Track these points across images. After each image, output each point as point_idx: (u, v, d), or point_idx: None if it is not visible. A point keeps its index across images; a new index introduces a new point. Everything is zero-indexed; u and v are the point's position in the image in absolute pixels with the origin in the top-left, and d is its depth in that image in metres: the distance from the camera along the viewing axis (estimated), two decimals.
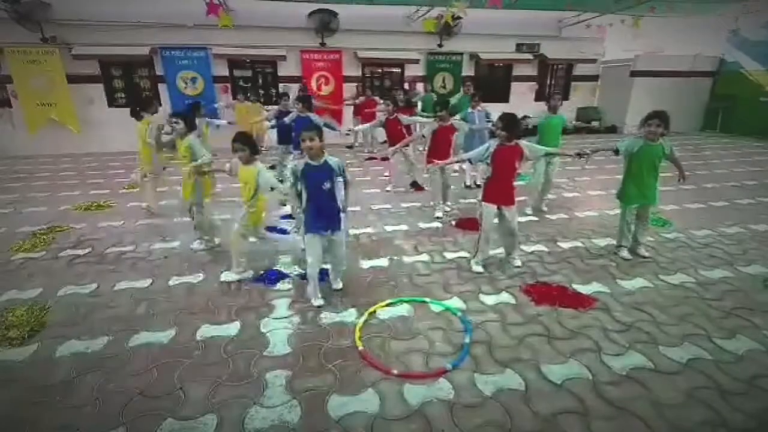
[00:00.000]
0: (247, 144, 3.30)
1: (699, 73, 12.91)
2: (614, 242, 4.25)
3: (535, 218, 5.12)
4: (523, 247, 4.24)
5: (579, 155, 3.83)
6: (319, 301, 3.20)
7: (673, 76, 12.66)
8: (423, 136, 5.45)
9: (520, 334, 2.79)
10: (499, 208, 3.64)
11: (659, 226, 4.82)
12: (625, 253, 4.03)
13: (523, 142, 3.56)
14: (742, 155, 9.37)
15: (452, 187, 5.47)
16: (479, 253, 3.73)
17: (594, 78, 13.32)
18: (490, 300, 3.23)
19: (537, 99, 12.65)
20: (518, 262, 3.80)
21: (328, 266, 3.46)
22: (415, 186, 6.43)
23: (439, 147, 4.87)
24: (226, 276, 3.61)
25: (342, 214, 3.18)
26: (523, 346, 2.67)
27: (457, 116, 5.60)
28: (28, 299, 3.29)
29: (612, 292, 3.36)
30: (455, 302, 3.20)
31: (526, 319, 2.98)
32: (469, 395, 2.25)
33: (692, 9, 10.23)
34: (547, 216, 5.21)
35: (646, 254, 4.01)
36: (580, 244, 4.31)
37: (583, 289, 3.40)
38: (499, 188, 3.59)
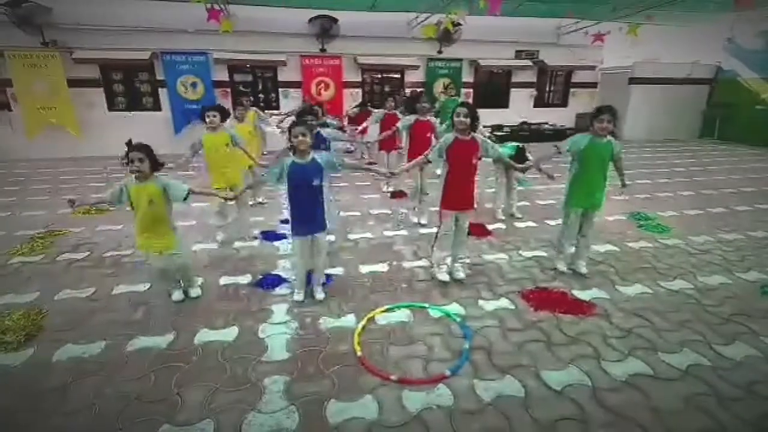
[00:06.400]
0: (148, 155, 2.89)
1: (696, 80, 12.99)
2: (614, 248, 4.25)
3: (511, 224, 5.06)
4: (522, 252, 4.25)
5: (524, 171, 3.83)
6: (299, 296, 3.27)
7: (671, 84, 12.74)
8: (397, 128, 5.25)
9: (519, 340, 2.78)
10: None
11: (658, 233, 4.83)
12: (561, 265, 3.77)
13: (480, 137, 3.27)
14: (740, 162, 9.40)
15: (429, 194, 4.91)
16: (434, 258, 3.53)
17: (593, 85, 13.40)
18: (489, 306, 3.23)
19: (536, 105, 12.89)
20: (462, 274, 3.54)
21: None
22: (398, 194, 6.41)
23: (418, 145, 4.67)
24: None
25: (327, 214, 3.11)
26: (523, 353, 2.66)
27: (443, 126, 5.50)
28: (25, 303, 3.28)
29: (611, 298, 3.36)
30: (454, 308, 3.19)
31: (526, 325, 2.98)
32: (469, 401, 2.24)
33: (688, 17, 10.31)
34: (546, 221, 5.22)
35: (586, 271, 3.69)
36: None
37: (583, 294, 3.40)
38: (457, 189, 3.29)
